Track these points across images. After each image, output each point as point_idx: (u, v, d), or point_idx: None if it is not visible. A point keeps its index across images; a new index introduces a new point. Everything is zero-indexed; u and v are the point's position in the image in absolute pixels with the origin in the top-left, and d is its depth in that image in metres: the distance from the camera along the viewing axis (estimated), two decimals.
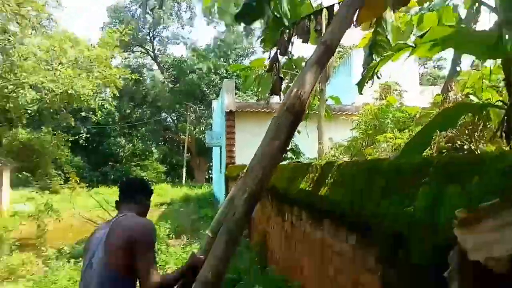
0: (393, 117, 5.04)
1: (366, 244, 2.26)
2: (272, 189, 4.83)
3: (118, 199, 2.39)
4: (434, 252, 1.43)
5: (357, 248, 2.42)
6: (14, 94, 11.60)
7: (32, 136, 13.81)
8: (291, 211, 4.42)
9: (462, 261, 1.00)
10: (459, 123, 3.49)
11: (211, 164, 27.58)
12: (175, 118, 36.84)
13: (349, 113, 10.15)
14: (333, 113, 8.60)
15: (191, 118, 31.84)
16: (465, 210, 0.98)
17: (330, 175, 2.67)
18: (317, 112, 6.74)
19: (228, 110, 11.76)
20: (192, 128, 31.89)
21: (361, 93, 2.91)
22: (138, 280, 2.10)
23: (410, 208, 1.57)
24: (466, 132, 3.64)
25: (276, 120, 1.87)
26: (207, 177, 32.77)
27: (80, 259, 8.42)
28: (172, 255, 7.41)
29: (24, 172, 14.53)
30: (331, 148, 6.93)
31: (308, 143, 7.66)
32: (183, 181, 30.34)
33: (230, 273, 5.79)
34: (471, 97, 3.84)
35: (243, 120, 11.87)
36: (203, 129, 30.58)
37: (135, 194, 2.37)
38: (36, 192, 13.68)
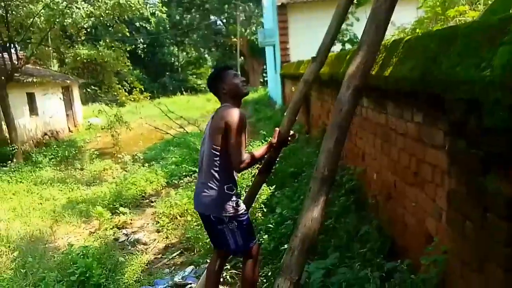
0: None
1: (434, 119, 2.18)
2: (331, 80, 4.72)
3: None
4: (510, 114, 1.35)
5: (423, 125, 2.35)
6: (69, 10, 11.77)
7: (92, 51, 14.24)
8: None
9: None
10: None
11: (265, 66, 27.22)
12: (224, 20, 35.81)
13: None
14: None
15: (241, 18, 30.70)
16: None
17: (396, 53, 2.51)
18: None
19: (280, 3, 11.02)
20: (243, 30, 30.96)
21: None
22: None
23: (488, 70, 1.46)
24: None
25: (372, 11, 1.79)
26: (262, 80, 32.64)
27: (152, 162, 9.37)
28: None
29: (92, 86, 15.41)
30: (393, 35, 6.42)
31: None
32: None
33: (292, 167, 6.05)
34: None
35: (297, 14, 11.13)
36: (255, 29, 29.58)
37: (213, 87, 2.76)
38: (107, 104, 14.59)
